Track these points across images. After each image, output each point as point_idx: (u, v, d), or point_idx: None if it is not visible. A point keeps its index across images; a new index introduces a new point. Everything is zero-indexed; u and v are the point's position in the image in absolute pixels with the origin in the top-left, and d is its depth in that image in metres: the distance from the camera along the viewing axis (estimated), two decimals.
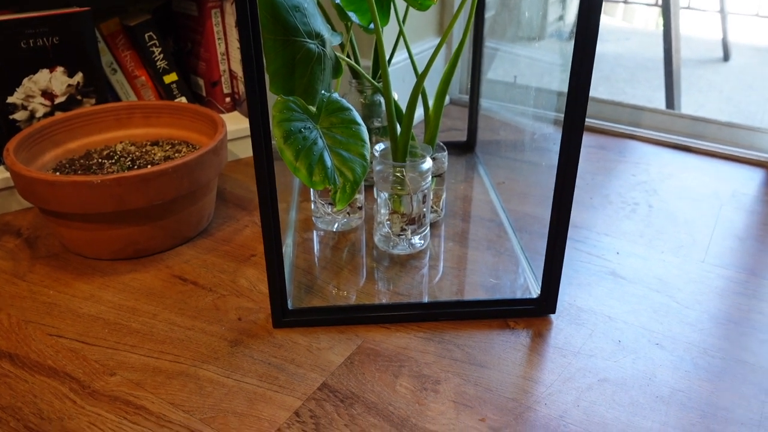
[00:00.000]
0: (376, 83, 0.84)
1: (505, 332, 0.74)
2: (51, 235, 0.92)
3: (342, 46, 0.95)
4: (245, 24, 0.57)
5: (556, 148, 1.11)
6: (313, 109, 0.65)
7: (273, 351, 0.70)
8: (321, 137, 0.63)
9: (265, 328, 0.74)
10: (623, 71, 2.07)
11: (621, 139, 1.26)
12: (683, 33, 1.61)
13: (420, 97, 0.90)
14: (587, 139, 1.25)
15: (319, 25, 0.70)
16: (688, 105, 1.71)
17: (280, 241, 0.68)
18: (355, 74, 0.99)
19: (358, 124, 0.65)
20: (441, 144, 0.92)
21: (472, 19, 0.90)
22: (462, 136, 1.21)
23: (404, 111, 0.85)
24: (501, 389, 0.65)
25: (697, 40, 2.45)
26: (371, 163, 0.84)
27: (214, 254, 0.88)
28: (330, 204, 0.92)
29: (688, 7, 2.45)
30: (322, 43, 0.68)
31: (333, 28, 0.95)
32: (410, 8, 0.94)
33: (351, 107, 0.67)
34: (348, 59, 0.78)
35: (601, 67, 2.13)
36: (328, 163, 0.61)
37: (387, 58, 1.01)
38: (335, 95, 0.67)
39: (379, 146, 0.85)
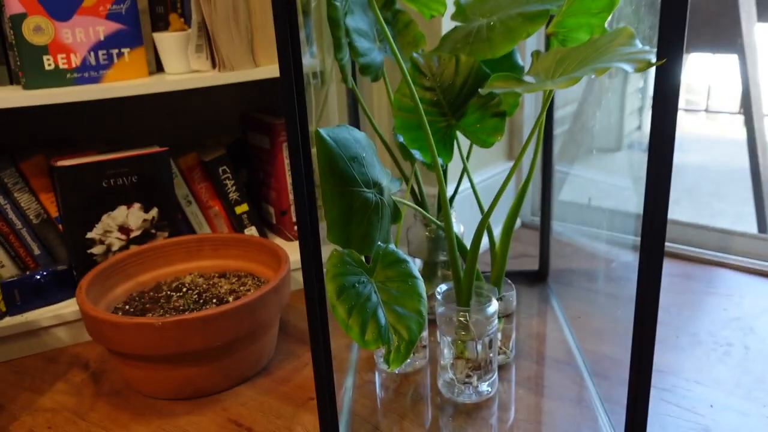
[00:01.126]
0: (438, 222, 0.83)
1: None
2: (115, 370, 0.93)
3: (406, 179, 0.95)
4: (299, 176, 0.57)
5: (635, 277, 1.03)
6: (365, 261, 0.63)
7: None
8: (375, 292, 0.61)
9: None
10: (708, 184, 1.98)
11: (708, 267, 1.17)
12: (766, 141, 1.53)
13: (486, 231, 0.87)
14: (670, 267, 1.17)
15: (377, 173, 0.69)
16: None
17: (334, 396, 0.65)
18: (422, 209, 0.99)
19: (415, 278, 0.63)
20: (509, 281, 0.88)
21: (541, 146, 0.88)
22: (533, 264, 1.16)
23: (468, 249, 0.82)
24: None
25: None
26: (436, 304, 0.81)
27: (272, 396, 0.85)
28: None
29: None
30: (380, 191, 0.68)
31: (400, 169, 0.95)
32: None
33: (408, 259, 0.65)
34: (407, 203, 0.77)
35: (683, 180, 2.05)
36: (382, 320, 0.59)
37: (454, 188, 1.00)
38: (392, 247, 0.65)
39: (442, 287, 0.82)
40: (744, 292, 1.07)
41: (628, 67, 0.57)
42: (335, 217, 0.65)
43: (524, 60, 1.27)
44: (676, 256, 1.22)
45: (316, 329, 0.61)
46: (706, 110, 2.98)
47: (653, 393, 0.81)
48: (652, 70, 0.54)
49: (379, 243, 0.66)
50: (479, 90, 0.81)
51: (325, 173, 0.64)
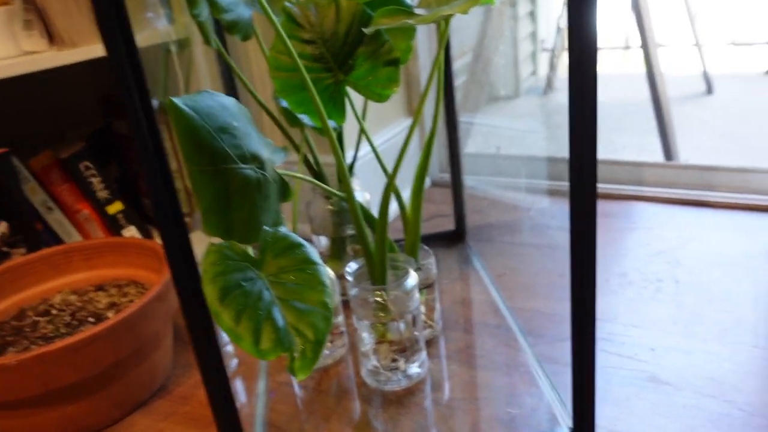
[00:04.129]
0: (337, 193, 0.72)
1: None
2: None
3: (297, 148, 0.84)
4: (147, 157, 0.45)
5: (556, 223, 0.96)
6: (253, 252, 0.52)
7: None
8: (267, 288, 0.50)
9: None
10: (607, 120, 1.98)
11: (625, 202, 1.13)
12: (664, 71, 1.53)
13: (394, 196, 0.77)
14: None
15: (255, 144, 0.58)
16: (684, 148, 1.61)
17: (236, 413, 0.54)
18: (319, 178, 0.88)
19: (314, 264, 0.52)
20: (425, 248, 0.79)
21: (442, 94, 0.79)
22: (449, 224, 1.08)
23: (376, 220, 0.72)
24: None
25: (677, 78, 2.38)
26: (347, 285, 0.71)
27: (172, 420, 0.73)
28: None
29: (663, 45, 2.39)
30: (261, 165, 0.56)
31: (289, 138, 0.84)
32: None
33: (304, 242, 0.54)
34: (298, 175, 0.66)
35: None
36: (280, 322, 0.48)
37: (353, 154, 0.90)
38: (282, 230, 0.54)
39: (351, 266, 0.72)
40: (663, 222, 1.04)
41: None
42: (210, 202, 0.53)
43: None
44: None
45: (201, 344, 0.49)
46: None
47: None
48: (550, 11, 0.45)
49: (266, 228, 0.54)
50: (365, 31, 0.70)
51: (189, 151, 0.52)
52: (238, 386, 0.78)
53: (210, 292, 0.48)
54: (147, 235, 1.05)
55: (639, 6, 1.52)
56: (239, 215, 0.54)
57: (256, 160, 0.56)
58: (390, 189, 0.70)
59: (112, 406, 0.72)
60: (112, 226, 1.01)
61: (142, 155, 0.45)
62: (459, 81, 1.57)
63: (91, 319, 0.78)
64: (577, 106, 0.47)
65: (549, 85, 2.24)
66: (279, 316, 0.48)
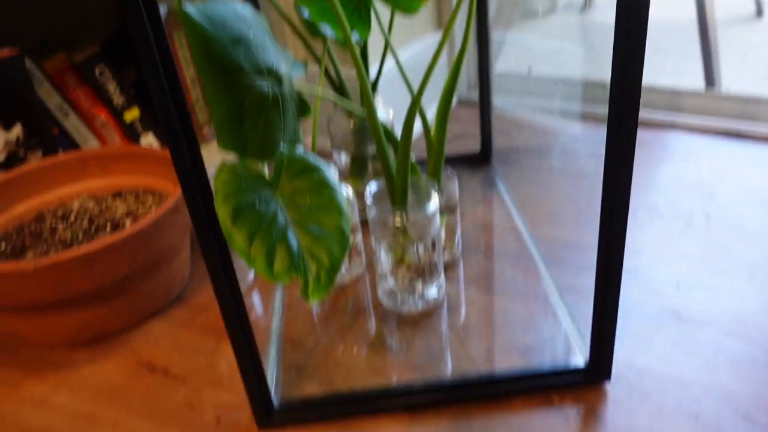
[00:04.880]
0: (359, 109, 0.69)
1: (550, 413, 0.58)
2: None
3: (319, 61, 0.80)
4: (154, 65, 0.42)
5: (588, 149, 0.93)
6: (267, 173, 0.50)
7: None
8: (282, 210, 0.48)
9: (250, 430, 0.60)
10: (648, 41, 1.88)
11: (660, 131, 1.08)
12: None
13: (418, 115, 0.74)
14: None
15: (272, 57, 0.54)
16: (728, 75, 1.52)
17: (249, 326, 0.53)
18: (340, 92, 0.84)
19: (332, 188, 0.50)
20: (449, 170, 0.76)
21: (474, 8, 0.74)
22: (474, 145, 1.04)
23: (399, 140, 0.69)
24: None
25: None
26: (366, 206, 0.69)
27: (188, 329, 0.73)
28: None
29: None
30: (278, 80, 0.53)
31: (311, 50, 0.79)
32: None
33: (321, 166, 0.51)
34: (319, 90, 0.63)
35: None
36: (294, 245, 0.46)
37: (377, 68, 0.86)
38: (299, 151, 0.52)
39: (371, 186, 0.70)
40: (700, 155, 0.99)
41: None
42: (223, 117, 0.50)
43: None
44: None
45: (211, 253, 0.48)
46: None
47: None
48: None
49: (283, 147, 0.52)
50: None
51: (202, 63, 0.49)
52: (255, 299, 0.78)
53: (222, 212, 0.46)
54: (164, 141, 1.03)
55: None
56: (254, 132, 0.52)
57: (272, 74, 0.53)
58: (415, 109, 0.66)
59: (128, 314, 0.73)
60: (130, 132, 0.99)
61: (146, 62, 0.42)
62: None
63: (108, 226, 0.78)
64: (625, 23, 0.43)
65: (588, 2, 2.13)
66: (293, 239, 0.46)
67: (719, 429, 0.55)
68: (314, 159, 0.52)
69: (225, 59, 0.49)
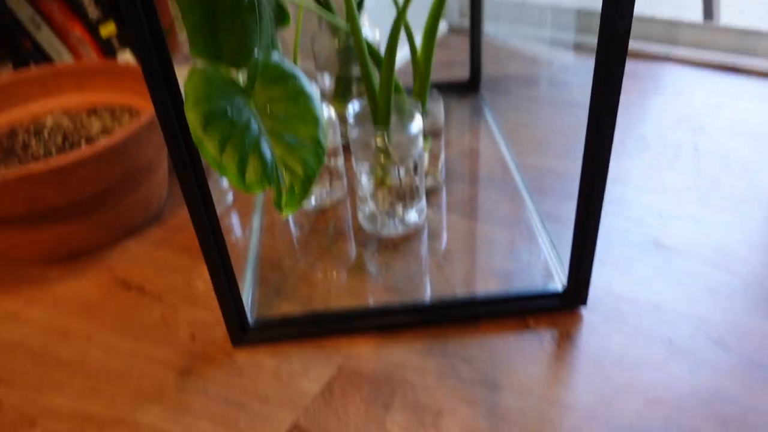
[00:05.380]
0: (344, 24, 0.66)
1: (524, 336, 0.58)
2: None
3: None
4: None
5: (578, 80, 0.91)
6: (241, 79, 0.47)
7: (232, 381, 0.56)
8: (256, 118, 0.46)
9: (224, 348, 0.59)
10: None
11: (654, 63, 1.05)
12: None
13: (404, 32, 0.71)
14: None
15: None
16: (728, 8, 1.48)
17: (222, 239, 0.52)
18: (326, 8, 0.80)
19: (308, 96, 0.47)
20: (435, 93, 0.74)
21: None
22: (463, 73, 1.01)
23: (383, 57, 0.66)
24: (521, 420, 0.51)
25: None
26: (348, 126, 0.67)
27: (165, 248, 0.72)
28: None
29: None
30: None
31: None
32: None
33: (297, 73, 0.49)
34: (309, 4, 0.60)
35: None
36: (267, 154, 0.44)
37: None
38: (274, 57, 0.49)
39: (354, 105, 0.68)
40: (693, 87, 0.97)
41: None
42: (196, 21, 0.47)
43: None
44: None
45: (185, 170, 0.47)
46: None
47: None
48: None
49: (259, 54, 0.49)
50: None
51: None
52: (234, 221, 0.77)
53: (192, 117, 0.44)
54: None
55: None
56: (229, 37, 0.49)
57: None
58: (400, 22, 0.63)
59: (105, 231, 0.72)
60: (106, 48, 0.95)
61: None
62: None
63: (83, 143, 0.76)
64: None
65: None
66: (267, 148, 0.45)
67: (692, 353, 0.55)
68: (290, 66, 0.50)
69: None
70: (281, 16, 0.57)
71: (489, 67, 1.05)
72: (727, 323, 0.58)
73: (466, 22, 1.23)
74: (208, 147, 0.43)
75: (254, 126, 0.45)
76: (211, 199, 0.50)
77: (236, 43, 0.49)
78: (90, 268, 0.70)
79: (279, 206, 0.44)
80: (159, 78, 0.43)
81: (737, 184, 0.75)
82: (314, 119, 0.47)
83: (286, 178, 0.44)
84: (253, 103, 0.48)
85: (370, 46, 0.69)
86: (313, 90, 0.50)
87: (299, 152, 0.45)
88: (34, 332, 0.63)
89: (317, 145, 0.46)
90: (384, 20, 1.00)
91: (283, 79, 0.50)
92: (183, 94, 0.45)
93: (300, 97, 0.49)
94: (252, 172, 0.43)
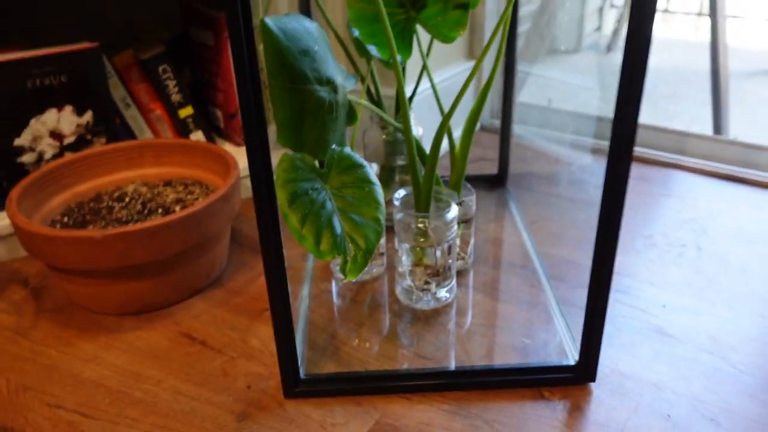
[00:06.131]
0: (395, 123, 0.78)
1: (540, 405, 0.66)
2: (57, 286, 0.88)
3: (362, 78, 0.89)
4: (243, 72, 0.51)
5: (594, 180, 1.02)
6: (319, 166, 0.59)
7: (282, 427, 0.64)
8: (330, 199, 0.57)
9: (276, 398, 0.68)
10: (665, 86, 1.97)
11: (665, 169, 1.17)
12: (730, 44, 1.51)
13: (446, 134, 0.83)
14: None
15: (331, 69, 0.64)
16: (737, 125, 1.61)
17: (289, 306, 0.62)
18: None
19: (372, 184, 0.59)
20: (469, 186, 0.85)
21: (504, 44, 0.83)
22: (492, 168, 1.13)
23: (428, 153, 0.78)
24: None
25: (744, 51, 2.32)
26: (394, 210, 0.78)
27: (225, 308, 0.82)
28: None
29: (734, 16, 2.32)
30: (334, 89, 0.62)
31: (355, 67, 0.89)
32: None
33: (365, 163, 0.61)
34: (363, 103, 0.72)
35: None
36: (338, 229, 0.55)
37: (413, 88, 0.95)
38: (347, 150, 0.61)
39: (400, 192, 0.79)
40: (699, 193, 1.08)
41: None
42: (286, 118, 0.59)
43: None
44: (635, 158, 1.21)
45: (267, 237, 0.57)
46: (665, 10, 2.92)
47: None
48: None
49: (334, 146, 0.61)
50: None
51: (273, 69, 0.58)
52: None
53: (281, 195, 0.55)
54: (210, 140, 1.13)
55: None
56: (311, 132, 0.61)
57: (330, 83, 0.62)
58: (444, 127, 0.76)
59: (173, 290, 0.82)
60: (182, 128, 1.09)
61: (238, 66, 0.51)
62: (522, 28, 1.58)
63: (160, 210, 0.87)
64: (628, 67, 0.51)
65: (612, 43, 2.22)
66: (338, 224, 0.56)
67: (688, 428, 0.63)
68: (359, 158, 0.61)
69: (293, 67, 0.58)
70: (350, 116, 0.69)
71: (515, 164, 1.17)
72: (720, 403, 0.65)
73: (496, 123, 1.37)
74: (292, 220, 0.54)
75: (329, 205, 0.56)
76: (284, 264, 0.60)
77: (316, 137, 0.61)
78: (159, 322, 0.80)
79: (344, 272, 0.54)
80: (258, 164, 0.54)
81: (733, 283, 0.84)
82: (376, 203, 0.58)
83: (351, 249, 0.55)
84: (328, 186, 0.59)
85: (417, 143, 0.81)
86: (376, 179, 0.61)
87: (363, 229, 0.56)
88: (112, 374, 0.72)
89: (377, 224, 0.57)
90: (426, 118, 1.13)
91: (353, 168, 0.61)
92: (275, 175, 0.56)
93: (366, 184, 0.60)
94: (325, 243, 0.54)
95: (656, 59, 2.29)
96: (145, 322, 0.80)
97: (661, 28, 2.66)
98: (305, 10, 1.01)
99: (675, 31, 2.67)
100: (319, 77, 0.61)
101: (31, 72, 0.90)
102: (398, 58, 0.84)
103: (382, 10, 0.71)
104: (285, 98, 0.59)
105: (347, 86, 0.68)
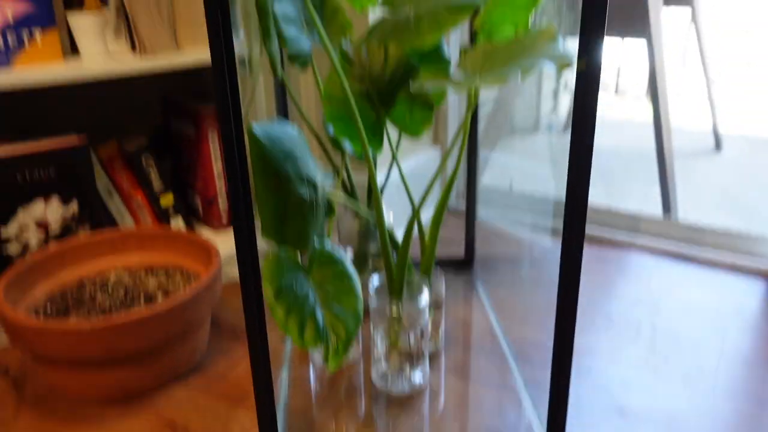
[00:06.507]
0: (369, 217, 0.84)
1: None
2: (39, 375, 0.89)
3: (336, 170, 0.96)
4: (234, 175, 0.57)
5: (554, 261, 1.09)
6: (300, 259, 0.64)
7: None
8: (312, 292, 0.62)
9: None
10: (618, 165, 2.09)
11: (620, 249, 1.25)
12: (675, 123, 1.63)
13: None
14: (585, 251, 1.23)
15: (311, 169, 0.70)
16: (685, 201, 1.72)
17: (272, 397, 0.65)
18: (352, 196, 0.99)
19: (351, 278, 0.64)
20: (438, 271, 0.91)
21: (467, 134, 0.90)
22: (459, 250, 1.19)
23: (400, 243, 0.84)
24: None
25: (688, 131, 2.49)
26: (369, 297, 0.83)
27: (206, 395, 0.85)
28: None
29: (677, 96, 2.50)
30: (314, 187, 0.68)
31: (330, 158, 0.95)
32: None
33: (344, 258, 0.66)
34: (339, 194, 0.78)
35: (596, 160, 2.14)
36: (320, 320, 0.60)
37: (384, 177, 1.02)
38: (327, 245, 0.66)
39: (374, 281, 0.84)
40: (652, 273, 1.15)
41: (550, 67, 0.59)
42: (270, 215, 0.65)
43: (451, 45, 1.29)
44: (591, 239, 1.29)
45: (254, 330, 0.61)
46: (616, 91, 3.12)
47: (571, 376, 0.87)
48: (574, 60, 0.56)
49: (315, 240, 0.66)
50: (410, 88, 0.82)
51: (258, 171, 0.64)
52: None
53: (268, 289, 0.60)
54: (190, 225, 1.17)
55: (654, 55, 1.62)
56: (293, 227, 0.66)
57: (311, 183, 0.68)
58: (414, 220, 0.82)
59: (155, 376, 0.84)
60: (162, 215, 1.13)
61: (228, 163, 0.56)
62: (481, 110, 1.68)
63: (142, 298, 0.90)
64: (576, 146, 0.58)
65: (567, 123, 2.36)
66: (320, 315, 0.60)
67: None
68: (339, 252, 0.66)
69: (278, 169, 0.64)
70: (329, 210, 0.75)
71: (481, 247, 1.24)
72: None
73: (461, 204, 1.44)
74: (278, 313, 0.58)
75: (311, 297, 0.61)
76: (268, 354, 0.64)
77: (298, 231, 0.66)
78: (141, 411, 0.82)
79: (326, 361, 0.59)
80: (249, 266, 0.59)
81: (686, 359, 0.90)
82: (355, 295, 0.63)
83: (332, 338, 0.59)
84: (311, 279, 0.64)
85: (389, 232, 0.86)
86: (354, 272, 0.66)
87: (343, 320, 0.61)
88: None
89: (356, 315, 0.62)
90: (395, 201, 1.20)
91: (333, 263, 0.66)
92: (261, 269, 0.61)
93: (344, 277, 0.65)
94: (309, 333, 0.58)
95: (609, 139, 2.44)
96: (127, 411, 0.82)
97: (612, 108, 2.83)
98: (282, 108, 1.08)
99: (626, 112, 2.85)
100: (301, 176, 0.67)
101: (22, 166, 0.94)
102: (369, 151, 0.91)
103: (355, 110, 0.78)
104: (270, 197, 0.65)
105: (326, 184, 0.74)
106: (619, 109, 2.85)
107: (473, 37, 0.93)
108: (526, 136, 2.22)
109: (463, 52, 0.81)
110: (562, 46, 0.62)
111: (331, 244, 0.69)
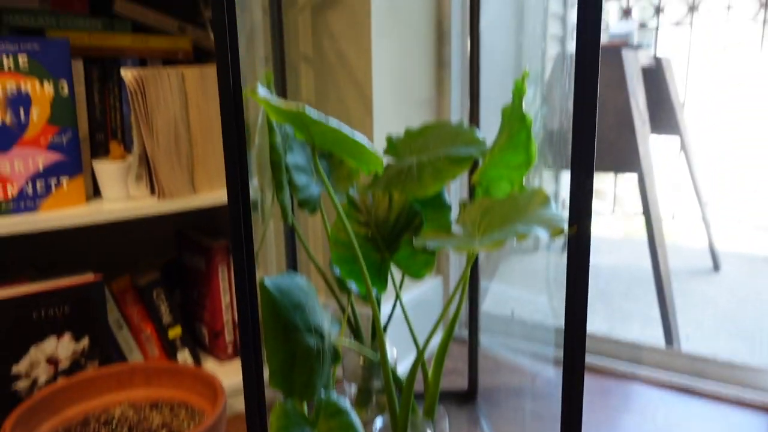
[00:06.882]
0: (374, 358, 0.86)
1: None
2: None
3: (343, 309, 0.99)
4: (246, 321, 0.60)
5: (558, 393, 1.09)
6: (306, 409, 0.66)
7: None
8: None
9: None
10: (618, 284, 2.12)
11: (623, 382, 1.25)
12: (672, 242, 1.66)
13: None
14: (588, 382, 1.25)
15: (319, 319, 0.73)
16: (685, 324, 1.73)
17: None
18: (357, 336, 1.02)
19: (355, 429, 0.65)
20: (442, 409, 0.92)
21: (468, 280, 0.94)
22: (462, 381, 1.20)
23: (403, 381, 0.85)
24: None
25: (687, 248, 2.54)
26: None
27: None
28: None
29: (672, 217, 2.58)
30: (321, 336, 0.71)
31: (336, 298, 0.99)
32: None
33: (349, 409, 0.68)
34: (345, 341, 0.81)
35: (596, 281, 2.18)
36: None
37: (388, 314, 1.05)
38: (333, 396, 0.68)
39: (378, 423, 0.85)
40: (656, 406, 1.15)
41: (544, 234, 0.64)
42: (278, 364, 0.67)
43: (452, 192, 1.37)
44: (593, 370, 1.30)
45: None
46: (613, 212, 3.22)
47: None
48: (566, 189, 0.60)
49: (322, 390, 0.68)
50: (414, 243, 0.87)
51: (268, 322, 0.67)
52: None
53: None
54: (196, 357, 1.19)
55: (645, 185, 1.69)
56: (301, 377, 0.69)
57: (318, 332, 0.71)
58: (418, 363, 0.84)
59: None
60: (169, 347, 1.15)
61: (241, 304, 0.60)
62: None
63: None
64: (572, 269, 0.60)
65: (566, 243, 2.41)
66: None
67: None
68: (344, 403, 0.68)
69: (287, 320, 0.67)
70: (335, 357, 0.77)
71: (484, 377, 1.24)
72: None
73: (463, 332, 1.46)
74: None
75: None
76: None
77: (305, 381, 0.69)
78: None
79: None
80: (256, 416, 0.61)
81: None
82: None
83: None
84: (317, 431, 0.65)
85: (393, 373, 0.88)
86: (359, 423, 0.68)
87: None
88: None
89: None
90: (397, 333, 1.22)
91: (338, 414, 0.68)
92: (269, 423, 0.62)
93: (350, 429, 0.67)
94: None
95: (607, 257, 2.48)
96: None
97: (609, 226, 2.90)
98: (291, 251, 1.13)
99: (623, 229, 2.92)
100: (309, 326, 0.70)
101: (39, 304, 0.97)
102: (374, 291, 0.94)
103: (359, 255, 0.83)
104: (278, 346, 0.67)
105: (333, 332, 0.77)
106: (616, 227, 2.92)
107: (472, 191, 1.00)
108: (526, 256, 2.27)
109: (462, 206, 0.87)
110: (554, 209, 0.68)
111: (336, 394, 0.71)
